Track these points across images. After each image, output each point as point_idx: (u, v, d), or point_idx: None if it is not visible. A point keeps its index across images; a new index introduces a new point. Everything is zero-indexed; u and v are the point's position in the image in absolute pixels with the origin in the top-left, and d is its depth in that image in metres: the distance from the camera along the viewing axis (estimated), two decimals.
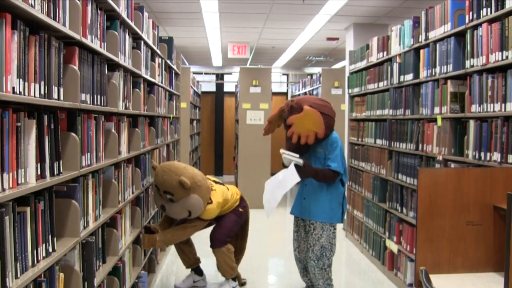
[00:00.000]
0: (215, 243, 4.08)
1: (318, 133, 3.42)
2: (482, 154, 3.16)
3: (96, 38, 2.71)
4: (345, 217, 6.37)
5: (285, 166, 3.56)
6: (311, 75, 10.58)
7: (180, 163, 4.02)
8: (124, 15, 3.26)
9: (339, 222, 3.60)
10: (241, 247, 4.47)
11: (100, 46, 2.78)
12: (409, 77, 4.38)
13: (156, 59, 4.59)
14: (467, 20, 3.43)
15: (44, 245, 2.01)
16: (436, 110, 3.84)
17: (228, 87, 13.48)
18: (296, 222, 3.73)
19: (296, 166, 3.42)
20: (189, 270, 4.41)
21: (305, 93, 10.59)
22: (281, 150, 3.52)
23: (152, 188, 4.12)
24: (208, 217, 3.97)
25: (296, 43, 9.37)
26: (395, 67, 4.72)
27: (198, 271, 4.40)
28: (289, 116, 3.50)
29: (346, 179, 3.64)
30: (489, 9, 3.15)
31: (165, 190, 3.79)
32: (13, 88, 1.76)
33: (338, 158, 3.49)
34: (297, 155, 3.42)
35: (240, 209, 4.25)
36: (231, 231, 4.16)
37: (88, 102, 2.58)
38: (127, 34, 3.41)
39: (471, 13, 3.37)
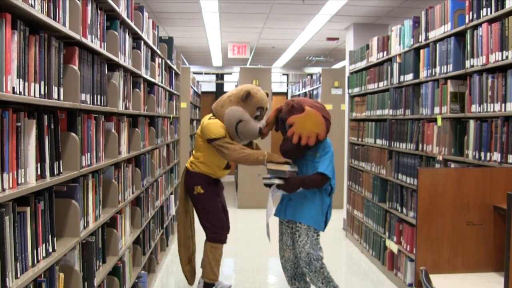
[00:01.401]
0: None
1: (319, 134, 3.33)
2: (482, 154, 3.16)
3: (96, 38, 2.71)
4: (345, 219, 6.37)
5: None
6: (311, 75, 10.58)
7: None
8: (124, 15, 3.26)
9: (321, 230, 3.48)
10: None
11: (100, 46, 2.78)
12: (409, 77, 4.38)
13: (156, 59, 4.59)
14: (467, 20, 3.43)
15: (44, 245, 2.01)
16: (436, 110, 3.84)
17: (228, 87, 13.49)
18: (281, 229, 3.58)
19: (279, 185, 3.37)
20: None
21: (305, 93, 10.59)
22: (261, 176, 3.46)
23: (247, 117, 3.75)
24: None
25: (296, 43, 9.37)
26: (395, 67, 4.72)
27: None
28: (289, 116, 3.43)
29: (334, 186, 3.49)
30: (489, 9, 3.15)
31: (266, 108, 3.85)
32: (13, 88, 1.76)
33: (327, 162, 3.38)
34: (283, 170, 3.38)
35: None
36: None
37: (88, 102, 2.58)
38: (127, 34, 3.41)
39: (471, 13, 3.37)
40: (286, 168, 3.35)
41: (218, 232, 3.84)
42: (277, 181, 3.36)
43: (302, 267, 3.45)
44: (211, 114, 3.84)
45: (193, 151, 3.96)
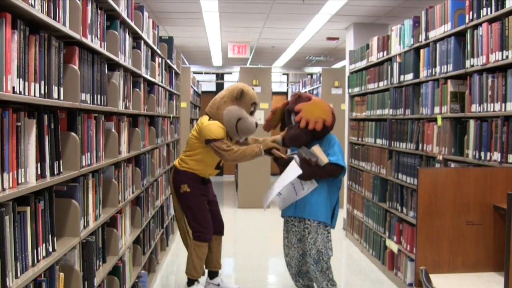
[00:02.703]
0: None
1: (326, 120, 3.43)
2: (482, 154, 3.16)
3: (96, 38, 2.71)
4: (345, 219, 6.38)
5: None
6: (311, 74, 10.58)
7: None
8: (124, 14, 3.26)
9: (329, 224, 3.51)
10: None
11: (100, 46, 2.78)
12: (409, 76, 4.38)
13: (156, 59, 4.59)
14: (467, 20, 3.43)
15: (44, 244, 2.01)
16: (436, 109, 3.84)
17: None
18: (287, 227, 3.62)
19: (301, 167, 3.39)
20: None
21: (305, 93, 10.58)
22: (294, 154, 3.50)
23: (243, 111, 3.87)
24: None
25: (296, 43, 9.37)
26: (395, 66, 4.72)
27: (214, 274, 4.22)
28: (296, 104, 3.52)
29: (340, 182, 3.57)
30: (489, 8, 3.15)
31: (255, 102, 3.95)
32: (13, 87, 1.77)
33: (337, 151, 3.45)
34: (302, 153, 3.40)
35: None
36: None
37: (88, 102, 2.58)
38: (127, 34, 3.41)
39: (471, 12, 3.37)
40: (326, 160, 3.37)
41: (202, 231, 3.91)
42: (296, 158, 3.42)
43: (309, 265, 3.47)
44: (208, 117, 3.89)
45: (184, 150, 4.03)
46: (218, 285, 4.20)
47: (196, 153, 3.89)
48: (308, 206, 3.45)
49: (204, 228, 3.92)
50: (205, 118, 3.88)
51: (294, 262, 3.60)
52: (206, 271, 4.20)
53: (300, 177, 3.38)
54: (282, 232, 3.66)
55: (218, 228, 4.13)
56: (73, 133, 2.33)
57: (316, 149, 3.40)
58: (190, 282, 4.03)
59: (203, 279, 4.20)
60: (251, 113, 3.91)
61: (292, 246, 3.57)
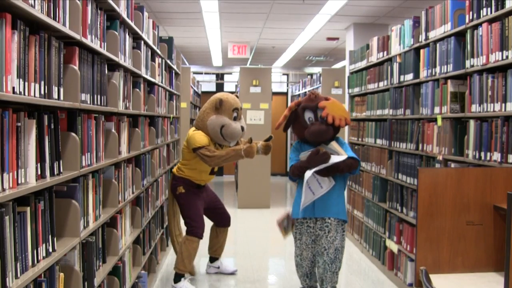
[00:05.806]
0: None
1: (347, 120, 3.57)
2: (482, 154, 3.16)
3: (96, 38, 2.71)
4: None
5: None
6: (311, 75, 10.58)
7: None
8: (124, 15, 3.26)
9: (347, 222, 3.67)
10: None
11: (100, 46, 2.78)
12: (409, 77, 4.38)
13: (156, 59, 4.59)
14: (467, 20, 3.43)
15: (44, 245, 2.01)
16: (436, 110, 3.84)
17: (228, 87, 13.49)
18: (300, 229, 3.60)
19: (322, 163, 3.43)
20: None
21: (305, 93, 10.59)
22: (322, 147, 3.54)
23: (230, 113, 4.22)
24: None
25: (296, 43, 9.38)
26: (395, 67, 4.72)
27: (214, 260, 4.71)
28: (315, 102, 3.58)
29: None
30: (489, 9, 3.15)
31: (240, 108, 4.32)
32: (13, 88, 1.77)
33: (350, 148, 3.58)
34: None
35: None
36: None
37: (88, 102, 2.59)
38: (127, 34, 3.41)
39: (471, 13, 3.37)
40: (345, 154, 3.44)
41: (194, 226, 4.20)
42: (333, 157, 3.43)
43: (323, 265, 3.49)
44: (194, 128, 4.27)
45: (181, 160, 4.39)
46: (218, 267, 4.66)
47: (189, 162, 4.23)
48: (328, 205, 3.52)
49: (196, 222, 4.20)
50: (191, 129, 4.25)
51: (306, 263, 3.63)
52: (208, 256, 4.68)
53: (324, 171, 3.40)
54: (294, 234, 3.68)
55: (225, 221, 4.58)
56: (73, 133, 2.33)
57: (335, 145, 3.52)
58: (177, 277, 4.21)
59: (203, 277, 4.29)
60: (235, 119, 4.22)
61: (307, 247, 3.60)
